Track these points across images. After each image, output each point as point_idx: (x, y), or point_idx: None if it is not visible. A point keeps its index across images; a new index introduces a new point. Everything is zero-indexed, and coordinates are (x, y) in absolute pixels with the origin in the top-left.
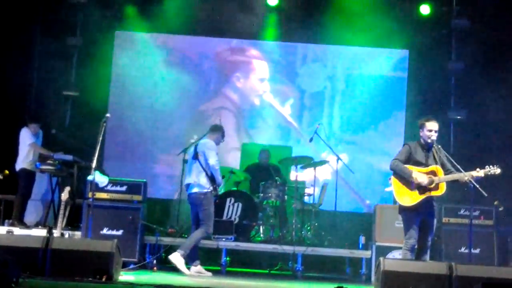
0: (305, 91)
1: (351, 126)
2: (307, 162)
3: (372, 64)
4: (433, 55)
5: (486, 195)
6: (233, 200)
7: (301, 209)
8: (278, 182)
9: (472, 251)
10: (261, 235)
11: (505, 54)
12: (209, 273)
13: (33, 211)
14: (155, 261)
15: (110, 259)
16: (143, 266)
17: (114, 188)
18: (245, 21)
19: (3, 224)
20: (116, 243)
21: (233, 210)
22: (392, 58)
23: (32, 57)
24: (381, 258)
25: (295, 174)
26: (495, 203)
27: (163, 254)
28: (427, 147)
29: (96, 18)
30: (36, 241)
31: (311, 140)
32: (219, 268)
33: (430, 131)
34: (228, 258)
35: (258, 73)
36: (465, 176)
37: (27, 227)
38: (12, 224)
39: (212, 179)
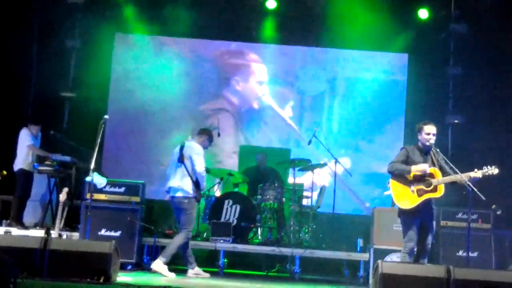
0: (305, 94)
1: (351, 129)
2: (305, 164)
3: (372, 67)
4: (432, 59)
5: (484, 198)
6: (231, 202)
7: (299, 211)
8: (276, 185)
9: (470, 254)
10: (259, 237)
11: (503, 58)
12: (207, 274)
13: (31, 212)
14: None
15: (108, 260)
16: (141, 267)
17: (112, 189)
18: (244, 24)
19: (1, 225)
20: (114, 244)
21: (231, 212)
22: (392, 62)
23: (30, 59)
24: (379, 261)
25: (293, 177)
26: (493, 206)
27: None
28: (425, 151)
29: (94, 20)
30: (34, 241)
31: (309, 143)
32: (217, 270)
33: (428, 134)
34: (226, 260)
35: (257, 76)
36: (463, 177)
37: (25, 227)
38: (10, 225)
39: (197, 184)
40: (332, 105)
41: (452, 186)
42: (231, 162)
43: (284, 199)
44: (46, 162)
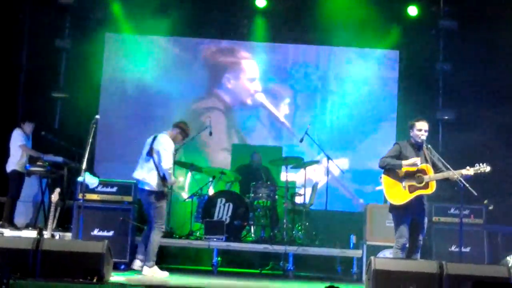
0: (297, 92)
1: (343, 126)
2: (298, 162)
3: (363, 64)
4: (422, 56)
5: (476, 194)
6: (224, 200)
7: (292, 209)
8: (268, 183)
9: (463, 249)
10: (252, 235)
11: (492, 55)
12: (165, 273)
13: (23, 213)
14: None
15: (101, 260)
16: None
17: (104, 189)
18: (234, 22)
19: None
20: (107, 244)
21: (224, 211)
22: (383, 59)
23: (20, 59)
24: (372, 257)
25: (286, 174)
26: (485, 202)
27: None
28: (417, 146)
29: (84, 20)
30: (27, 242)
31: (301, 140)
32: (210, 268)
33: (420, 130)
34: (219, 258)
35: (248, 73)
36: (455, 174)
37: (17, 228)
38: (2, 226)
39: (163, 179)
40: (324, 103)
41: (444, 182)
42: (224, 161)
43: (277, 197)
44: (38, 163)
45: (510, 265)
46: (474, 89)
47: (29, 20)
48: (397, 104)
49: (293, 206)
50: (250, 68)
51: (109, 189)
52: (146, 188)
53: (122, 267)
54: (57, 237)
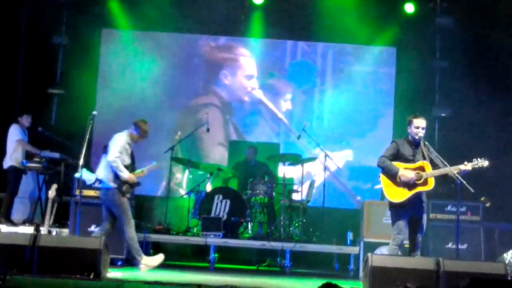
0: (295, 88)
1: (341, 122)
2: (295, 159)
3: (361, 61)
4: (419, 53)
5: (472, 191)
6: (221, 197)
7: (289, 205)
8: (266, 179)
9: (459, 246)
10: (250, 232)
11: (489, 52)
12: (160, 255)
13: (20, 209)
14: None
15: (98, 256)
16: (130, 263)
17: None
18: (232, 19)
19: None
20: (104, 240)
21: (221, 207)
22: (380, 55)
23: (17, 55)
24: (369, 254)
25: (283, 171)
26: (482, 199)
27: (151, 251)
28: (415, 144)
29: (81, 16)
30: (24, 238)
31: (299, 137)
32: (207, 264)
33: (417, 127)
34: (216, 255)
35: (246, 70)
36: (453, 170)
37: (14, 224)
38: None
39: (116, 175)
40: (322, 99)
41: (441, 179)
42: (221, 157)
43: (274, 193)
44: (35, 159)
45: (507, 262)
46: (470, 86)
47: (26, 16)
48: (394, 101)
49: (290, 202)
50: (248, 65)
51: None
52: (103, 186)
53: (119, 263)
54: (54, 233)
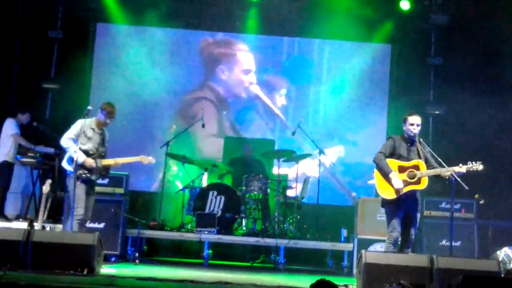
0: (291, 84)
1: (336, 119)
2: (290, 155)
3: (356, 58)
4: (413, 50)
5: (467, 188)
6: (215, 193)
7: (283, 202)
8: (260, 175)
9: (453, 243)
10: (244, 228)
11: (483, 49)
12: None
13: (13, 204)
14: (137, 254)
15: (92, 252)
16: (125, 259)
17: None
18: (228, 15)
19: None
20: (98, 236)
21: (215, 203)
22: (375, 52)
23: (12, 50)
24: (363, 251)
25: (278, 168)
26: (476, 196)
27: (146, 247)
28: (410, 141)
29: (76, 11)
30: (17, 234)
31: (293, 133)
32: (201, 261)
33: (412, 125)
34: (210, 251)
35: (243, 65)
36: (448, 171)
37: (7, 219)
38: None
39: (72, 158)
40: (318, 96)
41: (435, 177)
42: (216, 153)
43: (268, 190)
44: (29, 154)
45: (500, 259)
46: (464, 84)
47: (21, 11)
48: (388, 98)
49: (285, 199)
50: (245, 60)
51: (100, 181)
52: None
53: (113, 259)
54: (47, 228)
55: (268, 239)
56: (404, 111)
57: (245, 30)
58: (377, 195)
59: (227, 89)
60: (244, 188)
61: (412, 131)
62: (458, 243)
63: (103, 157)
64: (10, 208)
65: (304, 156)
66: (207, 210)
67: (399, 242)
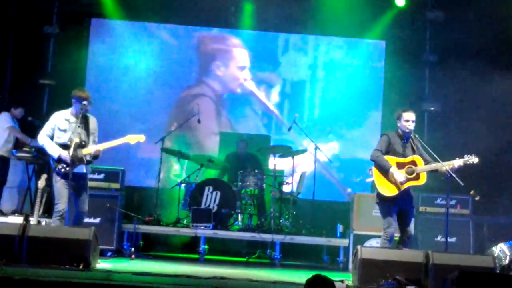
0: (286, 80)
1: (331, 115)
2: (286, 151)
3: (351, 54)
4: (408, 47)
5: (462, 184)
6: (211, 188)
7: (279, 197)
8: (256, 171)
9: (449, 239)
10: (240, 224)
11: (478, 46)
12: None
13: (9, 199)
14: (133, 249)
15: (88, 247)
16: (121, 253)
17: (91, 176)
18: (224, 10)
19: None
20: (94, 230)
21: (211, 199)
22: (370, 49)
23: (8, 46)
24: (359, 246)
25: (274, 163)
26: (471, 192)
27: (141, 242)
28: (405, 138)
29: (72, 6)
30: (13, 228)
31: (289, 129)
32: (197, 256)
33: (407, 121)
34: (206, 246)
35: (238, 61)
36: (444, 165)
37: (3, 214)
38: None
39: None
40: (313, 92)
41: (431, 174)
42: (212, 148)
43: (264, 185)
44: (25, 149)
45: (495, 255)
46: (459, 80)
47: (16, 7)
48: (383, 94)
49: (280, 194)
50: (240, 56)
51: (96, 176)
52: None
53: (109, 254)
54: (43, 223)
55: (264, 235)
56: (399, 107)
57: (240, 25)
58: (373, 190)
59: (223, 85)
60: (240, 183)
61: (407, 127)
62: (453, 239)
63: (83, 146)
64: (6, 203)
65: (300, 151)
66: (203, 206)
67: (395, 238)
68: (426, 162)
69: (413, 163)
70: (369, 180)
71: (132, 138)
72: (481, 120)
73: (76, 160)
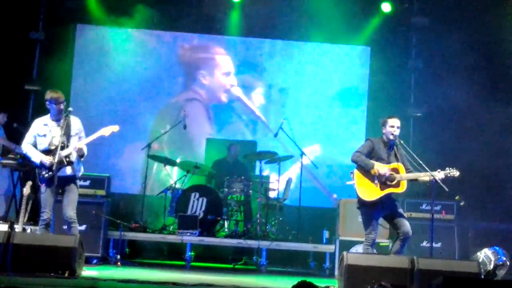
0: (272, 86)
1: (317, 121)
2: (272, 157)
3: (337, 60)
4: (394, 53)
5: (447, 190)
6: (197, 195)
7: (266, 203)
8: (242, 177)
9: (434, 245)
10: (226, 230)
11: (463, 52)
12: None
13: None
14: (118, 256)
15: (73, 254)
16: (106, 261)
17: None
18: (210, 16)
19: None
20: (79, 238)
21: (197, 205)
22: (355, 55)
23: None
24: (344, 252)
25: (260, 169)
26: (456, 198)
27: (127, 249)
28: (389, 144)
29: (58, 12)
30: None
31: (276, 135)
32: (183, 263)
33: (393, 127)
34: (192, 253)
35: (223, 68)
36: (426, 175)
37: None
38: None
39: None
40: (298, 98)
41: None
42: (199, 154)
43: (250, 191)
44: (10, 155)
45: (480, 260)
46: (445, 86)
47: (2, 12)
48: (368, 100)
49: (267, 201)
50: (224, 63)
51: (82, 183)
52: None
53: (95, 261)
54: (28, 230)
55: (250, 241)
56: (385, 113)
57: (226, 32)
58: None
59: (209, 92)
60: (226, 189)
61: (392, 133)
62: (438, 245)
63: (63, 148)
64: None
65: (286, 157)
66: (189, 212)
67: (380, 244)
68: (408, 171)
69: (395, 170)
70: (349, 182)
71: (106, 130)
72: (467, 125)
73: (59, 163)
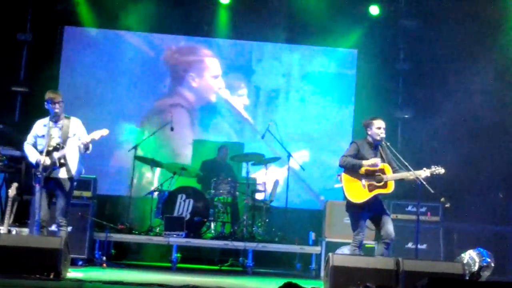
0: (260, 88)
1: (304, 123)
2: (259, 159)
3: (325, 62)
4: (382, 55)
5: (433, 191)
6: (184, 196)
7: (252, 205)
8: (229, 179)
9: (419, 246)
10: (212, 232)
11: (451, 54)
12: None
13: None
14: (104, 258)
15: (58, 256)
16: (92, 262)
17: None
18: (198, 18)
19: None
20: (65, 239)
21: (184, 207)
22: (343, 57)
23: None
24: (330, 254)
25: (246, 171)
26: (442, 200)
27: (113, 251)
28: (375, 145)
29: (46, 13)
30: None
31: (263, 137)
32: (170, 264)
33: (379, 128)
34: (179, 255)
35: (212, 71)
36: (413, 175)
37: None
38: None
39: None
40: (286, 100)
41: (401, 181)
42: (186, 156)
43: (237, 193)
44: None
45: (465, 262)
46: (433, 88)
47: None
48: (355, 102)
49: (253, 202)
50: (213, 66)
51: None
52: None
53: (80, 263)
54: (13, 232)
55: (237, 243)
56: (372, 115)
57: (214, 34)
58: (345, 198)
59: (198, 95)
60: (213, 191)
61: (379, 135)
62: (424, 246)
63: (57, 149)
64: None
65: (273, 159)
66: (175, 214)
67: (366, 245)
68: (394, 171)
69: (382, 171)
70: (337, 185)
71: (96, 134)
72: (453, 128)
73: (50, 164)
